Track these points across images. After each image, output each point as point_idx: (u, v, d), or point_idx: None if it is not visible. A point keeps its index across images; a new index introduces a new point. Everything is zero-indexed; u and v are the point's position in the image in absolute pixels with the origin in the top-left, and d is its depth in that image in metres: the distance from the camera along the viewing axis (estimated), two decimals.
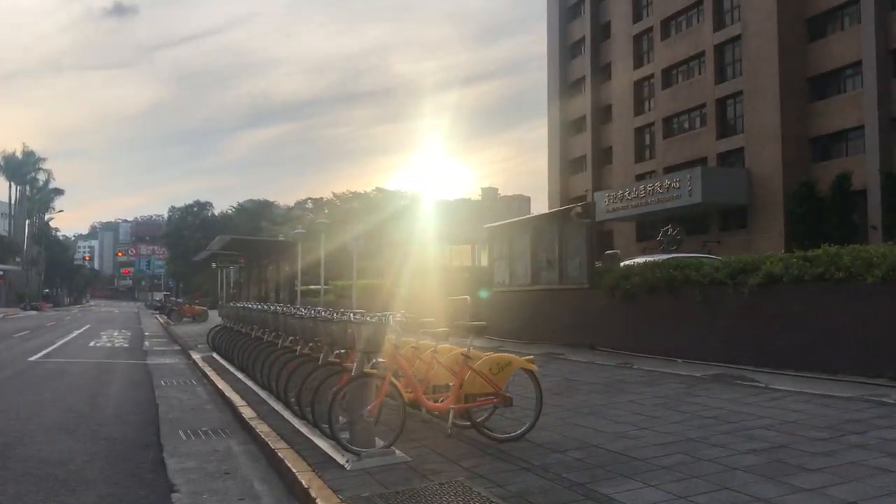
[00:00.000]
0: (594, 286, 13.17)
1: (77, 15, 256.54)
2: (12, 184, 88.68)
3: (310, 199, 71.08)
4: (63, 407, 10.23)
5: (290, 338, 10.09)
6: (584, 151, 60.12)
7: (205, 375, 14.22)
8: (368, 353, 6.41)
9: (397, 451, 6.30)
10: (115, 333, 29.46)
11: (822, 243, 10.63)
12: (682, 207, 42.05)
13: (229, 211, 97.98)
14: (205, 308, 41.31)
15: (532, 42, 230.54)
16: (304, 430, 7.72)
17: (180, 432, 8.61)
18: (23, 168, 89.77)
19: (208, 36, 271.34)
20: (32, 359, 17.39)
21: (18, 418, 9.21)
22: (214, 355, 17.63)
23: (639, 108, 54.02)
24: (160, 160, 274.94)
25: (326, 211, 69.13)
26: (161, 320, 42.82)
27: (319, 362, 8.00)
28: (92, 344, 23.02)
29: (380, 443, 6.35)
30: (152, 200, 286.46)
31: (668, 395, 8.78)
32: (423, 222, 35.67)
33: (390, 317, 6.58)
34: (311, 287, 31.94)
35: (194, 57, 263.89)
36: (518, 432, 6.79)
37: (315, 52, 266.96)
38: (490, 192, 74.31)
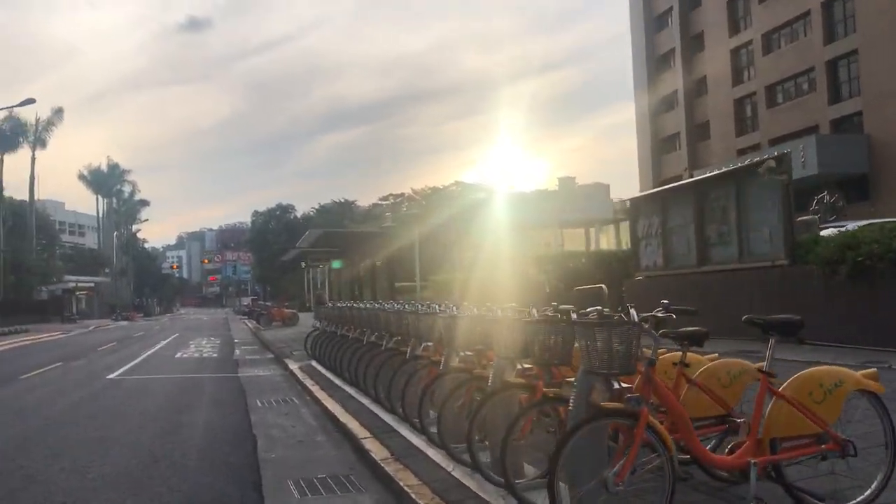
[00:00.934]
0: (796, 261, 10.17)
1: (153, 33, 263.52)
2: (99, 196, 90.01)
3: (391, 195, 69.09)
4: (134, 445, 7.91)
5: (425, 344, 7.63)
6: (676, 129, 56.42)
7: (307, 391, 11.86)
8: (599, 369, 3.79)
9: None
10: (204, 342, 27.77)
11: None
12: (795, 181, 37.92)
13: (311, 213, 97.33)
14: (294, 311, 39.57)
15: (601, 27, 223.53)
16: (465, 479, 5.22)
17: (290, 484, 6.15)
18: (109, 181, 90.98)
19: (280, 44, 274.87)
20: (112, 376, 15.43)
21: (75, 468, 6.89)
22: (314, 364, 15.35)
23: (737, 78, 50.05)
24: (241, 169, 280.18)
25: (405, 207, 67.37)
26: (250, 326, 41.37)
27: (489, 382, 5.41)
28: (179, 355, 21.17)
29: None
30: (235, 209, 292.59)
31: None
32: (505, 213, 32.89)
33: (633, 313, 3.85)
34: (405, 284, 29.67)
35: (267, 66, 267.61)
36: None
37: (384, 53, 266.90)
38: (567, 182, 70.78)
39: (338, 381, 11.92)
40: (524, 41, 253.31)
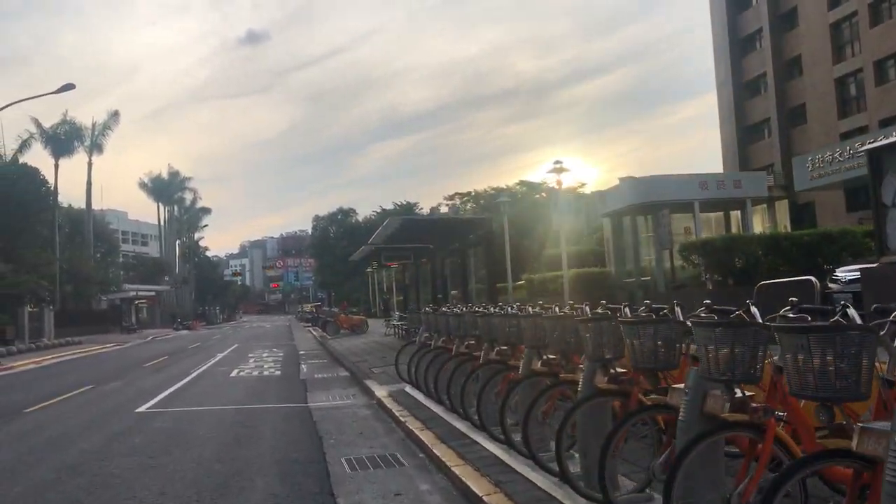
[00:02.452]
0: None
1: (214, 47, 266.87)
2: (160, 204, 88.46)
3: (456, 193, 65.36)
4: None
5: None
6: (765, 114, 51.37)
7: (416, 440, 7.79)
8: None
9: None
10: (265, 354, 24.11)
11: None
12: None
13: (373, 216, 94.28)
14: (363, 318, 35.81)
15: (656, 27, 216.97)
16: None
17: None
18: (169, 188, 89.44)
19: (335, 55, 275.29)
20: (142, 408, 11.66)
21: None
22: (409, 389, 11.33)
23: (838, 55, 44.77)
24: (300, 178, 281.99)
25: (470, 206, 63.70)
26: (315, 334, 37.80)
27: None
28: (234, 374, 17.42)
29: None
30: (296, 217, 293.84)
31: None
32: (574, 213, 28.63)
33: None
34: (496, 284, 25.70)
35: (324, 76, 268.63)
36: None
37: (437, 60, 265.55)
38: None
39: (459, 425, 7.84)
40: (577, 44, 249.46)
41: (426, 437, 7.61)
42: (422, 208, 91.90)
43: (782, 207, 34.56)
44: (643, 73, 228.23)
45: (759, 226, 28.85)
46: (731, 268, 15.74)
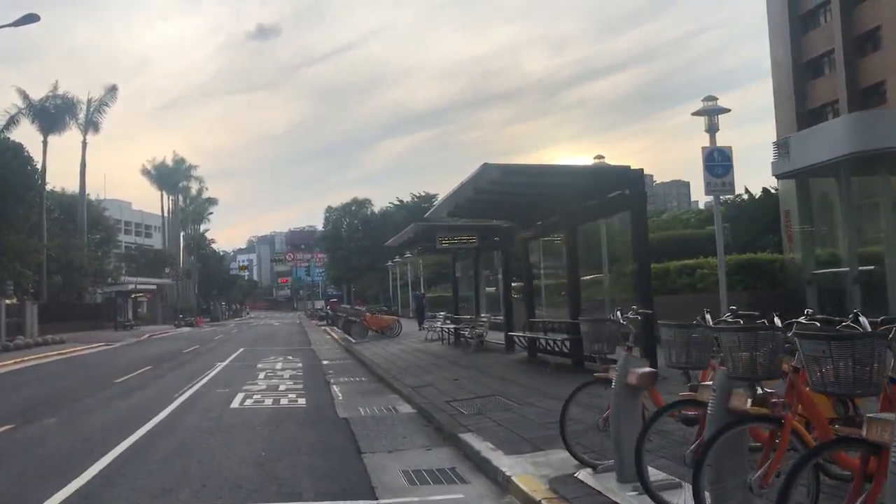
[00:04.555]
0: None
1: (223, 42, 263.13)
2: (164, 193, 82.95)
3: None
4: None
5: None
6: (829, 97, 46.06)
7: None
8: None
9: None
10: (279, 365, 18.50)
11: None
12: None
13: (389, 207, 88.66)
14: (396, 318, 30.10)
15: (666, 28, 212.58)
16: None
17: None
18: (174, 176, 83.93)
19: (345, 51, 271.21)
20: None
21: None
22: (593, 480, 5.67)
23: None
24: (307, 175, 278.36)
25: None
26: (334, 335, 32.16)
27: None
28: (237, 403, 11.77)
29: None
30: (304, 213, 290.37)
31: None
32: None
33: None
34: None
35: (333, 73, 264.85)
36: None
37: (446, 59, 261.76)
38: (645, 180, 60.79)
39: None
40: (586, 44, 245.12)
41: None
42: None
43: None
44: (654, 72, 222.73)
45: None
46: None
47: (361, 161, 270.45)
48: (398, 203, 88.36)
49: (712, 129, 13.15)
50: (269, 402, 11.82)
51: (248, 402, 11.85)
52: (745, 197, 33.27)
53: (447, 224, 17.46)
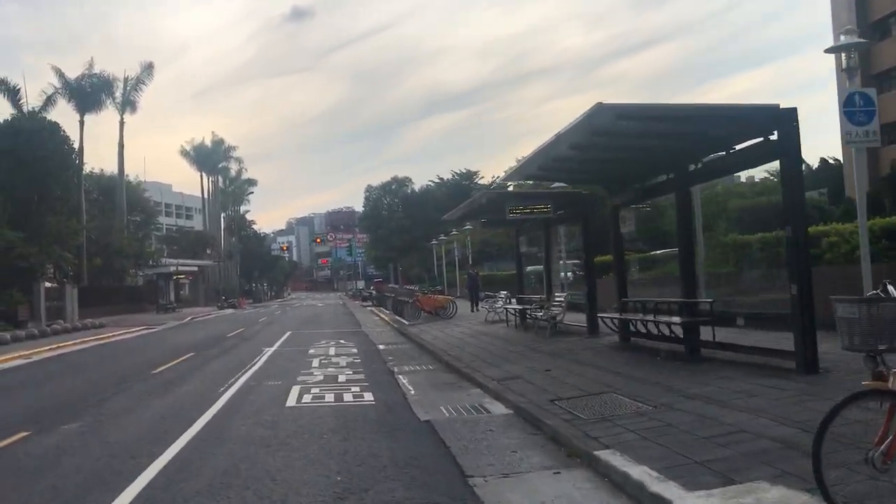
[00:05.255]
0: None
1: (258, 26, 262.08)
2: (203, 174, 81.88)
3: (517, 160, 56.98)
4: None
5: None
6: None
7: None
8: None
9: None
10: (332, 351, 16.72)
11: None
12: None
13: (430, 185, 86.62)
14: (451, 298, 28.17)
15: (702, 1, 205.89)
16: None
17: None
18: (213, 157, 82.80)
19: (379, 32, 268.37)
20: None
21: None
22: None
23: None
24: (344, 157, 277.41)
25: None
26: (383, 317, 30.41)
27: None
28: (293, 400, 9.93)
29: None
30: (342, 194, 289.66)
31: None
32: None
33: None
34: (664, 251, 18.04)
35: (368, 54, 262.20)
36: None
37: (481, 36, 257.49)
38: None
39: None
40: (624, 18, 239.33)
41: None
42: (482, 177, 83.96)
43: None
44: (693, 46, 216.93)
45: None
46: None
47: (397, 142, 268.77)
48: (439, 181, 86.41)
49: (850, 70, 10.89)
50: (330, 398, 9.97)
51: (307, 398, 10.02)
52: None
53: (519, 192, 15.44)
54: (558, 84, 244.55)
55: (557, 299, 16.25)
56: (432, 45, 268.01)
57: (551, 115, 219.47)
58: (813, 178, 29.48)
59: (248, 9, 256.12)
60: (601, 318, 13.25)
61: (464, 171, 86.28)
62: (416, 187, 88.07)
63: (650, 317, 11.46)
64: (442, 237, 57.49)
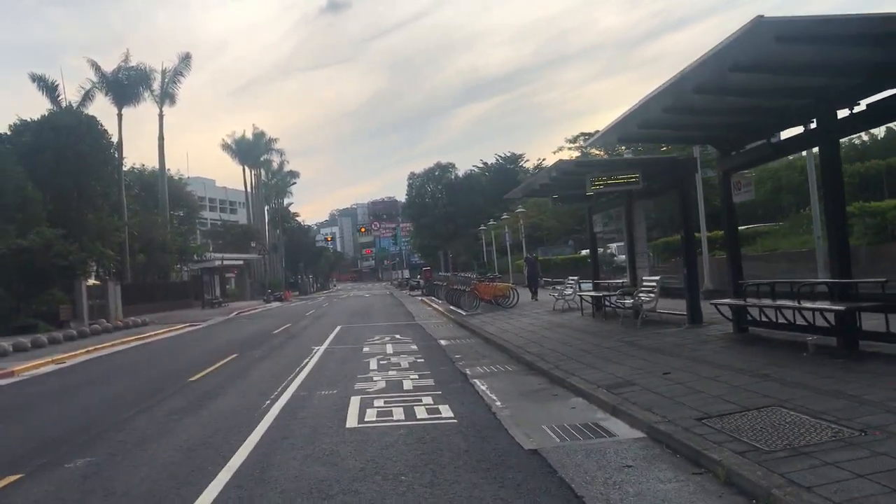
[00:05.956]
0: None
1: (296, 20, 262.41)
2: (245, 168, 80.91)
3: (582, 134, 54.53)
4: None
5: None
6: None
7: None
8: None
9: None
10: (390, 349, 14.82)
11: None
12: None
13: (473, 171, 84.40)
14: (510, 285, 26.10)
15: None
16: None
17: None
18: (254, 150, 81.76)
19: (415, 20, 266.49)
20: None
21: None
22: None
23: None
24: (385, 147, 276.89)
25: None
26: (436, 307, 28.49)
27: None
28: (354, 421, 7.99)
29: None
30: (384, 185, 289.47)
31: None
32: None
33: None
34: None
35: (405, 43, 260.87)
36: None
37: (518, 20, 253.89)
38: None
39: None
40: None
41: None
42: (527, 160, 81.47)
43: None
44: (737, 19, 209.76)
45: None
46: None
47: (438, 129, 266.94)
48: (482, 165, 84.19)
49: None
50: (399, 413, 8.04)
51: (370, 413, 8.10)
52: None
53: (601, 160, 13.29)
54: (598, 65, 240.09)
55: (647, 284, 14.07)
56: (468, 30, 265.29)
57: (592, 96, 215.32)
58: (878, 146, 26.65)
59: (285, 3, 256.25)
60: (716, 305, 11.04)
61: (508, 154, 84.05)
62: (460, 173, 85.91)
63: (787, 302, 9.24)
64: (491, 222, 55.39)
